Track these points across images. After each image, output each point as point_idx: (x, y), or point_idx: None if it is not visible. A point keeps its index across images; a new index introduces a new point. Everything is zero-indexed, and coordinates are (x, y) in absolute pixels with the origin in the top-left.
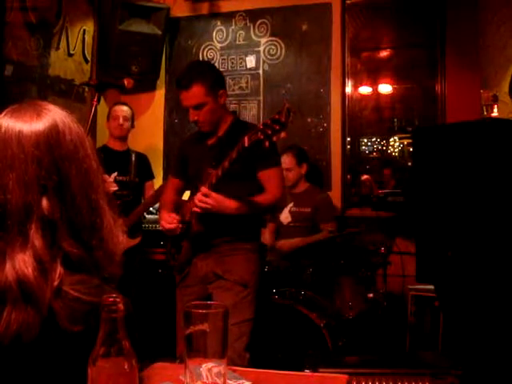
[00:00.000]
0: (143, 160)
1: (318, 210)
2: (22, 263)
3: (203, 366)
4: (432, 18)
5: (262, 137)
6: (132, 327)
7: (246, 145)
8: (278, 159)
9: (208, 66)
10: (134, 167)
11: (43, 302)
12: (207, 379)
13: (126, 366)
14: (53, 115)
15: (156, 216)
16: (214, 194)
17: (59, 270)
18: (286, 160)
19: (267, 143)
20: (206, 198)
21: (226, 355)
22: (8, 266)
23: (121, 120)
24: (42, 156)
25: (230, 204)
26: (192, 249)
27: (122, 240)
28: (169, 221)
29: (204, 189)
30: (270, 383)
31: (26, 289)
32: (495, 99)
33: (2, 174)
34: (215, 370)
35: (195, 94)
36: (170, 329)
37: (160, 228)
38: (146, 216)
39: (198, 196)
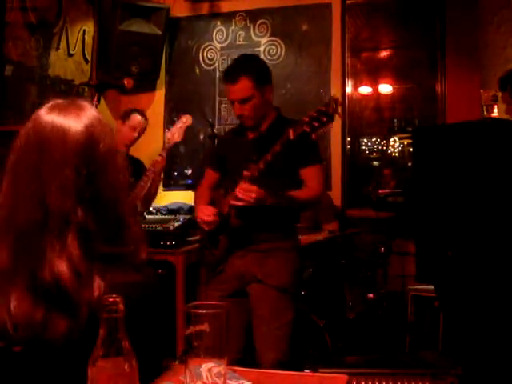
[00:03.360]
0: (138, 164)
1: (318, 211)
2: (60, 267)
3: (203, 365)
4: (432, 18)
5: (308, 129)
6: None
7: (292, 137)
8: (319, 157)
9: (255, 59)
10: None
11: (79, 307)
12: (207, 379)
13: (125, 367)
14: (91, 122)
15: (157, 216)
16: (256, 188)
17: (98, 281)
18: None
19: (314, 136)
20: (250, 193)
21: (225, 355)
22: (47, 267)
23: (136, 134)
24: (81, 166)
25: (269, 197)
26: (230, 243)
27: (144, 253)
28: (206, 213)
29: (245, 185)
30: (270, 383)
31: (62, 291)
32: (495, 99)
33: (45, 178)
34: (215, 370)
35: (242, 87)
36: (170, 329)
37: (198, 220)
38: (146, 216)
39: (239, 189)
